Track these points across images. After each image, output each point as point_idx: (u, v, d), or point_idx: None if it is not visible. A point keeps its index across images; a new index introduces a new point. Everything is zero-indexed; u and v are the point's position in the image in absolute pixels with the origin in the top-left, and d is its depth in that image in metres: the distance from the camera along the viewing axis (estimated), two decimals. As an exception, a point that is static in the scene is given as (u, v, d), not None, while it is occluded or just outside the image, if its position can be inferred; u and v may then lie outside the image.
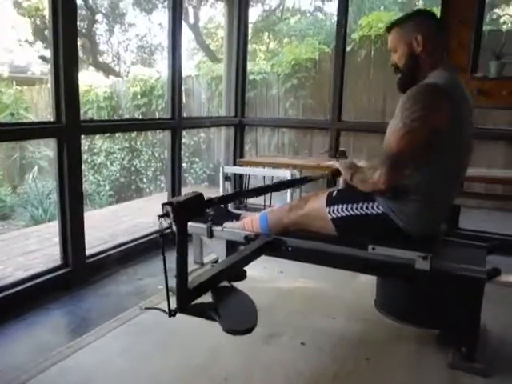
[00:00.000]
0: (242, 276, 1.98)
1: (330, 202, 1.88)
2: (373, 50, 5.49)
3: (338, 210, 1.85)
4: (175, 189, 3.31)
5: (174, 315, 1.50)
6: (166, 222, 1.46)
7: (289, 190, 3.47)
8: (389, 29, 1.84)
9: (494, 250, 1.96)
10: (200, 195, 1.54)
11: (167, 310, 1.49)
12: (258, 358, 1.83)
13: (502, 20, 8.07)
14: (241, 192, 1.75)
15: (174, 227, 1.48)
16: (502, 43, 3.21)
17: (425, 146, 1.64)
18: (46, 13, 6.81)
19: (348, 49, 5.06)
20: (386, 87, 5.33)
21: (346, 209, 1.83)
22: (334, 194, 1.90)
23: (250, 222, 2.09)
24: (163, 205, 1.45)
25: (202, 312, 1.57)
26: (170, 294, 1.50)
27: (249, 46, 4.54)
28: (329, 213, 1.87)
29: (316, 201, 1.94)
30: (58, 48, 2.28)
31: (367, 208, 1.80)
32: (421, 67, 1.76)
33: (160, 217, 1.45)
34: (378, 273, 1.92)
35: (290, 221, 1.98)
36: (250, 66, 5.91)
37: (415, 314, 1.86)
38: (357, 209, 1.81)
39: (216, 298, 1.60)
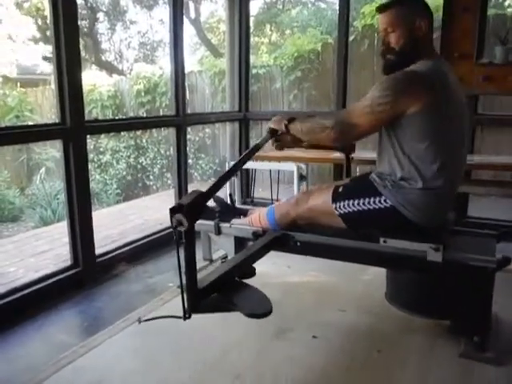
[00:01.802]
0: (251, 273, 1.97)
1: (336, 198, 1.86)
2: (376, 38, 5.44)
3: (344, 205, 1.83)
4: (182, 185, 3.31)
5: (189, 317, 1.51)
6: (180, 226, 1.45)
7: (295, 184, 3.47)
8: (386, 7, 1.78)
9: (504, 237, 1.95)
10: (202, 193, 1.54)
11: (179, 315, 1.51)
12: (270, 353, 1.84)
13: (506, 3, 7.95)
14: (227, 174, 1.71)
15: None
16: (507, 28, 3.17)
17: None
18: (47, 13, 6.80)
19: (351, 38, 5.01)
20: (390, 76, 5.28)
21: (353, 204, 1.81)
22: (340, 190, 1.88)
23: (257, 218, 2.09)
24: (172, 212, 1.44)
25: (217, 307, 1.58)
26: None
27: (251, 39, 4.52)
28: (335, 209, 1.85)
29: (320, 196, 1.92)
30: (60, 48, 2.28)
31: (374, 203, 1.78)
32: (416, 51, 1.74)
33: (174, 228, 1.44)
34: (389, 266, 1.92)
35: (297, 214, 1.97)
36: (252, 59, 5.88)
37: (426, 305, 1.85)
38: (364, 204, 1.79)
39: (228, 292, 1.61)
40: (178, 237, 1.44)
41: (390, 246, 1.79)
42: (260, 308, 1.51)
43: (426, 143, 1.68)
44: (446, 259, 1.70)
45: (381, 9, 1.80)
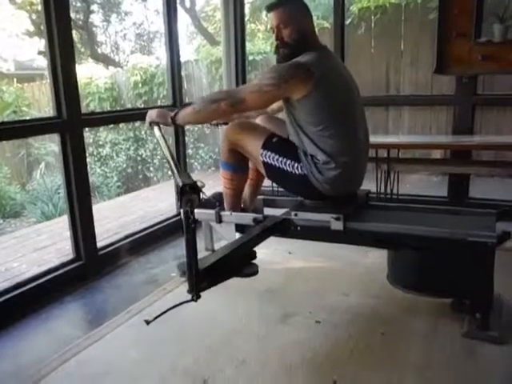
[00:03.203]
0: (252, 257, 1.98)
1: (267, 146, 1.99)
2: (373, 21, 5.38)
3: (270, 156, 1.98)
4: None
5: (199, 297, 1.55)
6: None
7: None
8: (275, 6, 1.93)
9: (504, 216, 1.95)
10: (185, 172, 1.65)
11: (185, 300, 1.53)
12: (275, 338, 1.84)
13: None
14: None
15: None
16: (505, 4, 3.13)
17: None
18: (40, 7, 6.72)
19: (347, 22, 4.97)
20: (388, 59, 5.25)
21: (277, 160, 1.97)
22: (274, 141, 2.00)
23: (221, 178, 2.19)
24: (183, 193, 1.46)
25: (216, 280, 1.68)
26: (183, 277, 1.54)
27: (247, 26, 4.48)
28: (261, 155, 1.99)
29: (254, 137, 2.02)
30: (53, 42, 2.25)
31: (293, 167, 1.94)
32: (304, 44, 1.91)
33: (191, 208, 1.46)
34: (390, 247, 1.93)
35: (229, 143, 2.07)
36: (249, 46, 5.82)
37: (428, 284, 1.86)
38: (285, 164, 1.95)
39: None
40: (193, 217, 1.48)
41: (301, 218, 1.99)
42: (248, 270, 1.81)
43: (320, 126, 1.86)
44: (347, 228, 1.89)
45: (271, 8, 1.96)
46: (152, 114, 2.03)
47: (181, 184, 1.49)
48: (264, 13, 10.39)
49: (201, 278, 1.54)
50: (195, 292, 1.54)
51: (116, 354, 1.79)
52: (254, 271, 1.81)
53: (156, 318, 1.56)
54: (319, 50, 1.93)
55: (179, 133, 3.24)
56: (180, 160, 3.25)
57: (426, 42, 4.83)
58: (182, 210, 1.50)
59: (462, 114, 3.28)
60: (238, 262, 1.81)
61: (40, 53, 9.72)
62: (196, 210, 1.52)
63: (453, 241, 1.74)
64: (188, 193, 1.47)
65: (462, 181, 3.33)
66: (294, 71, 1.82)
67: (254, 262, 1.87)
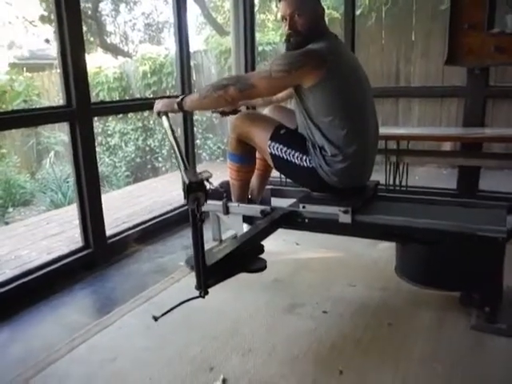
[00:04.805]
0: (260, 251, 1.98)
1: (275, 137, 1.97)
2: (384, 12, 5.32)
3: (277, 148, 1.96)
4: (190, 166, 3.30)
5: (207, 293, 1.55)
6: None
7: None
8: None
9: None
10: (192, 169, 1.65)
11: (193, 296, 1.55)
12: (281, 328, 1.85)
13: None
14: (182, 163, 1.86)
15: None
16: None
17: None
18: (51, -4, 6.71)
19: (358, 12, 4.92)
20: (399, 50, 5.20)
21: (285, 152, 1.95)
22: (282, 132, 1.98)
23: (228, 170, 2.19)
24: (190, 191, 1.46)
25: (224, 275, 1.67)
26: (191, 269, 1.54)
27: (257, 16, 4.45)
28: (269, 146, 1.97)
29: (262, 128, 2.00)
30: (63, 31, 2.26)
31: (301, 159, 1.93)
32: (316, 33, 1.89)
33: (198, 207, 1.46)
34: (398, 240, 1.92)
35: (237, 135, 2.06)
36: (258, 36, 5.78)
37: (436, 278, 1.85)
38: (293, 156, 1.94)
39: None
40: (200, 215, 1.48)
41: (309, 210, 1.97)
42: (256, 265, 1.80)
43: (330, 117, 1.83)
44: (355, 221, 1.87)
45: None
46: (159, 104, 2.03)
47: (187, 182, 1.48)
48: (274, 3, 10.32)
49: (208, 274, 1.55)
50: (203, 288, 1.54)
51: (124, 341, 1.81)
52: (261, 266, 1.79)
53: (164, 314, 1.56)
54: (330, 39, 1.91)
55: (188, 123, 3.24)
56: (189, 151, 3.26)
57: (438, 32, 4.77)
58: (188, 208, 1.49)
59: (474, 105, 3.24)
60: (245, 257, 1.78)
61: (49, 41, 9.72)
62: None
63: (462, 235, 1.72)
64: (195, 190, 1.46)
65: (472, 173, 3.30)
66: (307, 58, 1.80)
67: (261, 256, 1.85)
